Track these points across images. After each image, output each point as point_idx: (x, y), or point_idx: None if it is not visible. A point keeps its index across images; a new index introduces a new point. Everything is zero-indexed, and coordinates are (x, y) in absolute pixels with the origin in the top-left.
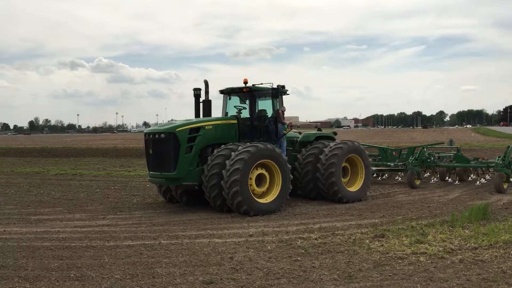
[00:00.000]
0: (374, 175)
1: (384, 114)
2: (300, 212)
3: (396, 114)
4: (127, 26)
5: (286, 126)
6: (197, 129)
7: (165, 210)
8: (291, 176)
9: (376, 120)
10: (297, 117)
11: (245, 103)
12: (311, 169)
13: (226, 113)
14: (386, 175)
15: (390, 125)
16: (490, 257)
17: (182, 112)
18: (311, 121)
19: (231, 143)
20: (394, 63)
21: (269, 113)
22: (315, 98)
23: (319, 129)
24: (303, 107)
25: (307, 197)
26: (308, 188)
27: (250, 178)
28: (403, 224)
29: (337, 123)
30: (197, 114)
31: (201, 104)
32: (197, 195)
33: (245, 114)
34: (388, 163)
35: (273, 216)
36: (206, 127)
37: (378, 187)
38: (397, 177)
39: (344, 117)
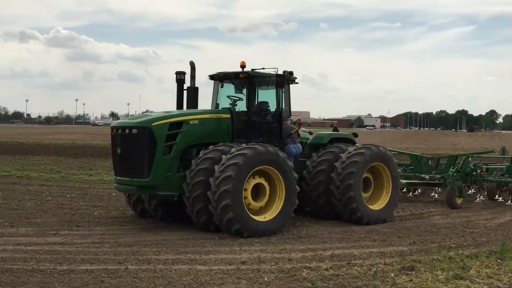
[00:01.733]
0: (404, 190)
1: (420, 112)
2: (307, 234)
3: (434, 113)
4: None
5: (292, 123)
6: (179, 124)
7: (134, 227)
8: (298, 188)
9: (409, 120)
10: (308, 112)
11: (241, 93)
12: (323, 179)
13: (217, 105)
14: (420, 190)
15: (427, 127)
16: None
17: (161, 101)
18: (325, 118)
19: (222, 144)
20: (434, 47)
21: (272, 106)
22: (332, 88)
23: (335, 129)
24: (316, 100)
25: (317, 215)
26: (319, 203)
27: (245, 189)
28: (439, 254)
29: (358, 122)
30: (179, 105)
31: (185, 92)
32: (177, 208)
33: (241, 106)
34: (423, 175)
35: (273, 238)
36: (191, 122)
37: (409, 206)
38: (433, 194)
39: (368, 115)
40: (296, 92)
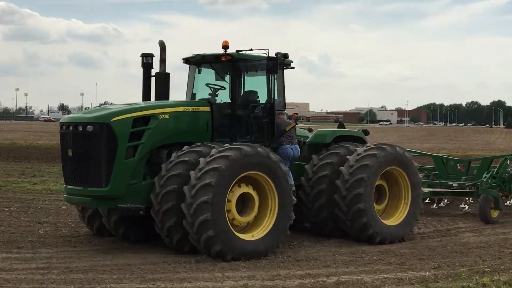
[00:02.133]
0: (427, 201)
1: (446, 104)
2: (306, 256)
3: (464, 105)
4: None
5: (287, 117)
6: (146, 119)
7: (90, 248)
8: (294, 198)
9: (432, 113)
10: (307, 104)
11: (223, 80)
12: (326, 188)
13: (193, 95)
14: (446, 200)
15: (455, 122)
16: None
17: (123, 91)
18: (328, 111)
19: (199, 144)
20: (463, 24)
21: (262, 97)
22: (336, 74)
23: (341, 125)
24: (316, 89)
25: (319, 232)
26: (321, 218)
27: (229, 201)
28: (470, 280)
29: (370, 116)
30: (146, 95)
31: (153, 80)
32: (143, 225)
33: (224, 97)
34: (450, 182)
35: (263, 262)
36: (161, 117)
37: (432, 220)
38: (463, 205)
39: (382, 107)
40: (292, 79)
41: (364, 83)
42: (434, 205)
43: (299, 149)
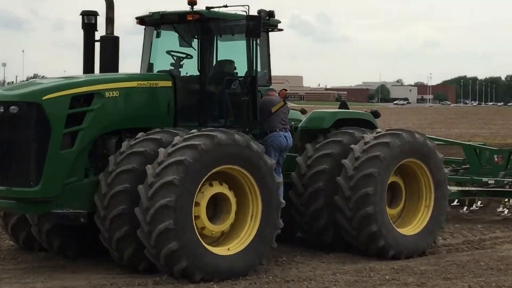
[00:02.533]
0: (455, 203)
1: (480, 78)
2: (299, 276)
3: (504, 78)
4: None
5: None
6: (88, 97)
7: (15, 266)
8: (283, 201)
9: (462, 90)
10: (300, 78)
11: (190, 47)
12: (324, 187)
13: (151, 66)
14: (480, 202)
15: (491, 101)
16: None
17: (58, 60)
18: (327, 87)
19: (159, 130)
20: None
21: (241, 68)
22: (338, 38)
23: (344, 105)
24: (312, 58)
25: (316, 244)
26: (318, 226)
27: (198, 204)
28: None
29: (382, 93)
30: (88, 67)
31: (97, 46)
32: (85, 236)
33: (190, 69)
34: (484, 179)
35: (242, 283)
36: (107, 94)
37: (462, 228)
38: (501, 208)
39: (398, 81)
40: (280, 45)
41: (374, 50)
42: (464, 209)
43: (291, 137)
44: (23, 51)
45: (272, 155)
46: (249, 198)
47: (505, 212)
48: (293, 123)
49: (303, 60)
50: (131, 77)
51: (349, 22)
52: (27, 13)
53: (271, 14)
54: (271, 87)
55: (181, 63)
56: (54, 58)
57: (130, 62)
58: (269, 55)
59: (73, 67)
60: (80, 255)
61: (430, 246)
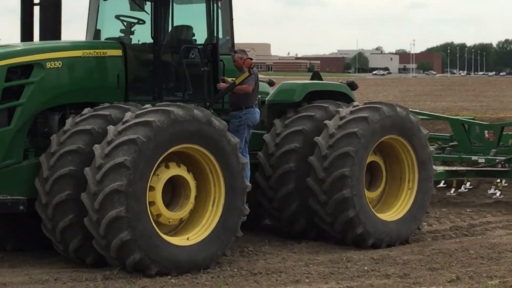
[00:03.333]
0: (441, 184)
1: (469, 44)
2: (267, 268)
3: (495, 45)
4: None
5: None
6: (26, 68)
7: None
8: (249, 184)
9: (449, 58)
10: (267, 46)
11: (142, 10)
12: (295, 168)
13: (98, 33)
14: (469, 184)
15: (481, 70)
16: None
17: None
18: (298, 55)
19: (107, 105)
20: None
21: (200, 35)
22: (312, 2)
23: (317, 75)
24: (281, 23)
25: (286, 232)
26: (288, 212)
27: (153, 188)
28: None
29: (360, 62)
30: (26, 34)
31: (36, 10)
32: (25, 226)
33: (143, 36)
34: (474, 158)
35: (204, 277)
36: (48, 65)
37: (449, 212)
38: (492, 190)
39: (377, 49)
40: (245, 8)
41: (351, 13)
42: (452, 191)
43: (259, 112)
44: None
45: (245, 134)
46: (211, 182)
47: (497, 195)
48: (259, 96)
49: (271, 26)
50: (75, 46)
51: None
52: None
53: None
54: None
55: (132, 29)
56: None
57: (74, 28)
58: (232, 19)
59: (9, 34)
60: (19, 248)
61: (413, 233)
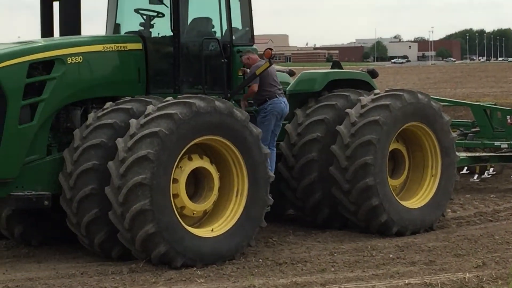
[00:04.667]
0: (464, 171)
1: (487, 30)
2: (292, 258)
3: None
4: None
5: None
6: (48, 64)
7: None
8: (272, 174)
9: (468, 45)
10: (286, 37)
11: (161, 3)
12: (317, 157)
13: (117, 27)
14: (492, 170)
15: (501, 56)
16: None
17: (11, 24)
18: (316, 45)
19: (129, 98)
20: None
21: (218, 27)
22: None
23: (337, 65)
24: (299, 14)
25: (310, 222)
26: (312, 201)
27: (176, 180)
28: None
29: (378, 51)
30: (46, 29)
31: (56, 6)
32: (49, 221)
33: (163, 29)
34: (496, 143)
35: (229, 267)
36: (69, 60)
37: (473, 199)
38: None
39: (395, 37)
40: (263, 0)
41: (369, 4)
42: (475, 177)
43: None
44: None
45: (272, 124)
46: (234, 173)
47: None
48: (281, 86)
49: (289, 17)
50: (95, 40)
51: None
52: None
53: None
54: (252, 47)
55: (152, 22)
56: (7, 22)
57: (94, 23)
58: (250, 11)
59: (29, 31)
60: (45, 243)
61: (438, 220)
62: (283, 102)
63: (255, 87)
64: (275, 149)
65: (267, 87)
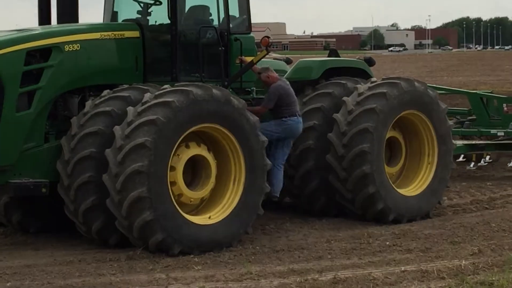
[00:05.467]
0: (461, 159)
1: (484, 18)
2: (289, 245)
3: (511, 18)
4: None
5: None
6: (45, 51)
7: None
8: (269, 162)
9: (465, 33)
10: (283, 25)
11: None
12: (314, 145)
13: (115, 15)
14: (488, 157)
15: (498, 44)
16: None
17: (8, 11)
18: (313, 34)
19: (126, 86)
20: None
21: (215, 15)
22: None
23: (334, 53)
24: (296, 2)
25: (307, 209)
26: (308, 189)
27: (173, 168)
28: None
29: (375, 39)
30: (44, 17)
31: None
32: (47, 208)
33: (160, 17)
34: (493, 131)
35: (226, 255)
36: (67, 48)
37: (469, 186)
38: None
39: (392, 25)
40: None
41: None
42: (471, 165)
43: None
44: None
45: (289, 145)
46: (231, 161)
47: None
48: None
49: (286, 5)
50: (93, 28)
51: None
52: None
53: None
54: (250, 34)
55: (149, 10)
56: (4, 10)
57: (91, 11)
58: None
59: (27, 19)
60: (42, 230)
61: (434, 208)
62: (300, 122)
63: (262, 109)
64: (282, 167)
65: (286, 107)
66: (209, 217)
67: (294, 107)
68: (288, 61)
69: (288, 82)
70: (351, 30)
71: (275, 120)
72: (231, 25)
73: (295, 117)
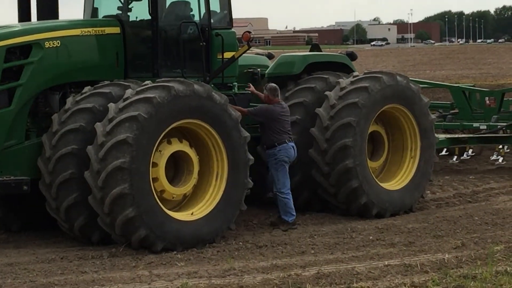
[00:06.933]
0: (444, 152)
1: (466, 12)
2: (272, 240)
3: (493, 12)
4: None
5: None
6: (25, 48)
7: None
8: (251, 157)
9: (447, 26)
10: (265, 20)
11: None
12: (297, 140)
13: (95, 11)
14: (471, 151)
15: (480, 38)
16: None
17: None
18: (295, 29)
19: (107, 82)
20: None
21: (196, 10)
22: None
23: (316, 47)
24: None
25: None
26: (292, 184)
27: (155, 164)
28: (508, 262)
29: (357, 34)
30: (23, 14)
31: None
32: (29, 206)
33: (141, 13)
34: (475, 125)
35: (209, 251)
36: (47, 44)
37: (452, 180)
38: (495, 156)
39: (374, 19)
40: None
41: None
42: (454, 159)
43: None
44: None
45: (285, 170)
46: (213, 156)
47: (500, 161)
48: (258, 69)
49: (268, 0)
50: (73, 24)
51: None
52: None
53: None
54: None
55: (129, 6)
56: None
57: (71, 8)
58: None
59: (6, 16)
60: (24, 228)
61: (417, 202)
62: (292, 147)
63: (245, 112)
64: (290, 194)
65: (277, 133)
66: (192, 213)
67: (284, 135)
68: (270, 56)
69: (287, 110)
70: (333, 25)
71: (270, 157)
72: (212, 21)
73: (285, 144)
